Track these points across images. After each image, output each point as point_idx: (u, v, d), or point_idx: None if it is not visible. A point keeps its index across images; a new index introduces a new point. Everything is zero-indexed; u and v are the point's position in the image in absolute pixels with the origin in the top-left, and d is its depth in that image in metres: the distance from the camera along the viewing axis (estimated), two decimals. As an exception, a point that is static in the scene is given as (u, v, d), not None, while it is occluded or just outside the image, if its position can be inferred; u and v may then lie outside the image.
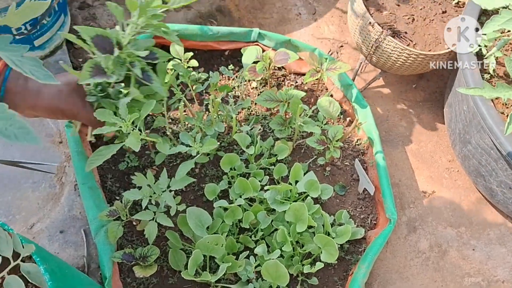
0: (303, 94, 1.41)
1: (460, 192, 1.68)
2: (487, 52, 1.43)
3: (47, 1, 0.78)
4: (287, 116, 1.50)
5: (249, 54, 1.34)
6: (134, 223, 1.36)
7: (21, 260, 0.86)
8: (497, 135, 1.29)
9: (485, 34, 1.35)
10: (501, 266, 1.59)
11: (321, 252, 1.26)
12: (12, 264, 0.85)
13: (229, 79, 1.64)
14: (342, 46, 1.89)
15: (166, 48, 1.52)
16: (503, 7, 1.16)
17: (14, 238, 0.85)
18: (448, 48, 1.49)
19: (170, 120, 1.53)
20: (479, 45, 1.37)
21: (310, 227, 1.36)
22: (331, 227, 1.36)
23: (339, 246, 1.40)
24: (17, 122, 0.61)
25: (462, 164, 1.60)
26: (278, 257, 1.28)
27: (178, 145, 1.22)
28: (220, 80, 1.61)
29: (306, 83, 1.64)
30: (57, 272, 0.90)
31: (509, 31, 1.25)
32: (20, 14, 0.76)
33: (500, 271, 1.58)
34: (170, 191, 1.25)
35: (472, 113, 1.42)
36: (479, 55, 1.43)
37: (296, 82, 1.67)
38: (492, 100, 1.36)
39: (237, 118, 1.56)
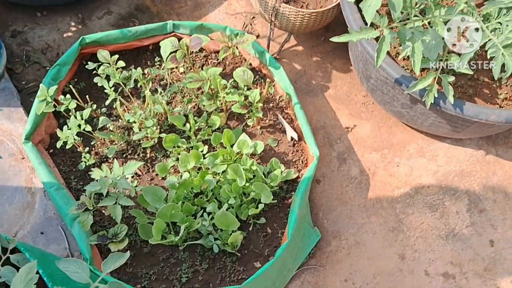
0: (219, 70, 1.63)
1: (377, 121, 1.94)
2: None
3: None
4: (213, 91, 1.72)
5: (164, 47, 1.54)
6: (103, 210, 1.58)
7: (10, 253, 1.08)
8: (384, 67, 1.55)
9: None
10: (424, 174, 1.87)
11: (261, 196, 1.51)
12: (3, 258, 1.07)
13: (159, 69, 1.84)
14: (254, 18, 2.11)
15: (94, 55, 1.71)
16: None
17: (0, 238, 1.07)
18: (335, 2, 1.72)
19: (113, 118, 1.73)
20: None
21: (251, 178, 1.61)
22: (268, 174, 1.61)
23: (279, 188, 1.65)
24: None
25: (372, 97, 1.86)
26: (228, 209, 1.52)
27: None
28: (151, 72, 1.81)
29: (225, 58, 1.86)
30: (41, 256, 1.12)
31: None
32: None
33: (424, 178, 1.86)
34: (126, 177, 1.47)
35: (367, 52, 1.66)
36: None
37: (218, 59, 1.88)
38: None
39: (172, 102, 1.78)
